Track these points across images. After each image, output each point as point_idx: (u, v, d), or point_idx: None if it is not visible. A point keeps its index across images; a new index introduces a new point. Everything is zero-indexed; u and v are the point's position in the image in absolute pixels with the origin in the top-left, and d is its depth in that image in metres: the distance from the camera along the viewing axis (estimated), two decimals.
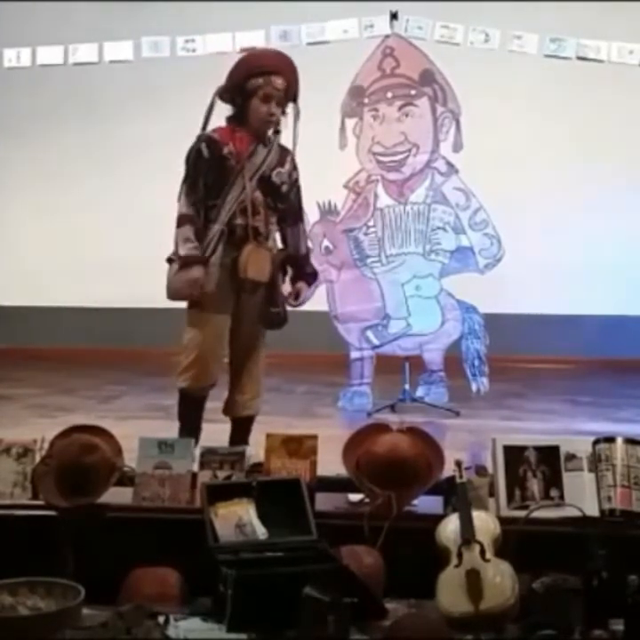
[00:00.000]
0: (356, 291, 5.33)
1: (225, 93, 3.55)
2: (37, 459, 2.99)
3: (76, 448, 2.94)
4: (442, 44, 5.17)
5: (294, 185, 3.66)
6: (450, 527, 2.72)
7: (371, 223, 5.28)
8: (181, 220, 3.48)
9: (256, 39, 5.29)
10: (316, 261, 5.23)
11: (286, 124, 3.59)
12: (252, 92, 3.47)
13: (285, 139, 3.64)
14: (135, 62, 5.42)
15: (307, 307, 4.81)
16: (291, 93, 3.55)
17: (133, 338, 6.91)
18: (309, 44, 5.24)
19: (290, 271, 3.68)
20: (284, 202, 3.62)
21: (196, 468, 2.99)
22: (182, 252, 3.43)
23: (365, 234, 5.29)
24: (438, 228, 5.26)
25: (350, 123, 5.36)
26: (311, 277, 3.77)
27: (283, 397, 5.31)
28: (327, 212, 5.31)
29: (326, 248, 5.30)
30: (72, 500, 2.86)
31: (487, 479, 2.93)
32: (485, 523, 2.73)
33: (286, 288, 3.66)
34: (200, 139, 3.51)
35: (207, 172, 3.48)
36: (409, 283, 5.26)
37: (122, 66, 5.51)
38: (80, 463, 2.90)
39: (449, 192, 5.30)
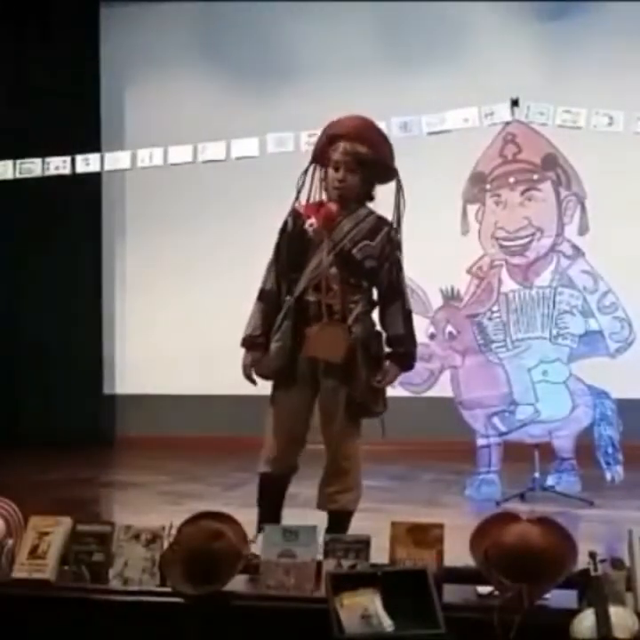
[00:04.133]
0: (481, 376, 5.25)
1: (313, 163, 3.48)
2: (165, 545, 3.01)
3: (203, 535, 2.95)
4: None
5: (387, 260, 3.39)
6: (585, 624, 2.58)
7: (495, 308, 5.23)
8: (259, 296, 3.48)
9: None
10: (439, 347, 5.30)
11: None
12: (328, 161, 3.41)
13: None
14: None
15: (431, 393, 4.76)
16: (375, 160, 3.37)
17: (258, 425, 6.93)
18: (430, 133, 5.31)
19: (385, 351, 3.40)
20: (368, 278, 3.38)
21: (319, 556, 2.96)
22: (243, 333, 3.46)
23: (490, 319, 5.23)
24: (565, 311, 5.16)
25: (472, 208, 5.36)
26: (405, 360, 3.42)
27: (408, 485, 5.23)
28: (450, 297, 5.31)
29: (450, 334, 5.28)
30: (199, 586, 2.87)
31: (624, 573, 2.78)
32: (623, 619, 2.58)
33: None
34: (289, 212, 3.48)
35: (289, 245, 3.42)
36: (536, 368, 5.16)
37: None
38: (207, 550, 2.91)
39: (575, 275, 5.22)
